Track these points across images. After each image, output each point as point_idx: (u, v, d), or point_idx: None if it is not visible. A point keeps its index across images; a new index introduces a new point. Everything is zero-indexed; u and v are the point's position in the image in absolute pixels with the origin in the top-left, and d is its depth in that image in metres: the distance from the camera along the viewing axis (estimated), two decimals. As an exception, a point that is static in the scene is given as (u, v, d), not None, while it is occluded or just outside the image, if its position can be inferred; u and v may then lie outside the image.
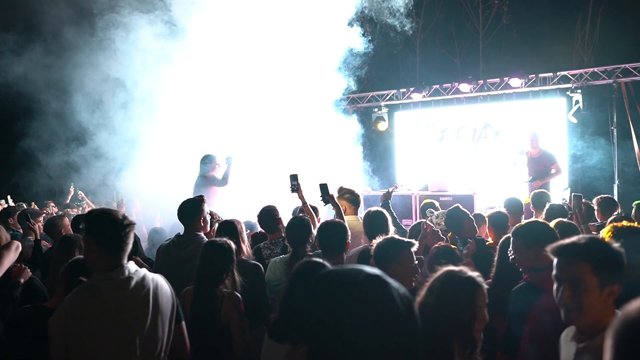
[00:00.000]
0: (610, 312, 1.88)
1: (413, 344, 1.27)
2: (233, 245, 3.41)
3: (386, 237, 3.04)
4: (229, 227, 4.03)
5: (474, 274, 2.11)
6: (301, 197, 5.07)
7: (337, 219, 4.01)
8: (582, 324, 1.93)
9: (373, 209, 4.45)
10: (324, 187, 4.74)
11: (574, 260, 1.89)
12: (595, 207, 5.96)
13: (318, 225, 4.91)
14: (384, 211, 4.36)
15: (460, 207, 4.67)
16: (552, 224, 3.47)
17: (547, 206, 5.08)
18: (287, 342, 2.30)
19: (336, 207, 4.66)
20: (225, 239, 3.44)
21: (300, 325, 2.14)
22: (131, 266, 2.52)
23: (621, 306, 1.73)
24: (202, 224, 4.19)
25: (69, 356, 2.35)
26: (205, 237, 4.15)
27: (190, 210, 4.18)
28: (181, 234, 4.22)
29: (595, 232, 4.47)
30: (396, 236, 3.14)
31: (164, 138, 8.61)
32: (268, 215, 4.84)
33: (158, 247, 4.41)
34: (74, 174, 10.25)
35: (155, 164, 8.53)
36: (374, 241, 3.11)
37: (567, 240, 1.95)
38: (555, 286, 1.96)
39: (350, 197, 5.29)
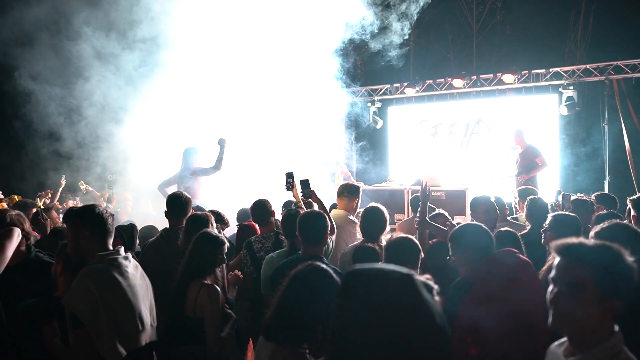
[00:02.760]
0: (608, 328, 1.68)
1: (441, 343, 1.24)
2: (225, 239, 3.41)
3: None
4: (199, 221, 3.97)
5: None
6: (296, 196, 5.07)
7: (314, 210, 4.00)
8: (569, 333, 1.75)
9: (371, 205, 4.40)
10: (305, 183, 4.76)
11: (577, 262, 1.68)
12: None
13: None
14: (382, 208, 4.34)
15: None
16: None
17: (527, 201, 5.07)
18: (272, 342, 2.28)
19: (318, 202, 4.66)
20: (215, 233, 3.45)
21: (299, 325, 2.15)
22: (122, 248, 2.87)
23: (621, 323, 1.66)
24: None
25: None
26: None
27: (175, 205, 4.18)
28: (168, 228, 4.22)
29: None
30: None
31: (155, 132, 8.55)
32: (261, 207, 4.84)
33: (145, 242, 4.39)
34: (63, 166, 10.18)
35: (146, 157, 8.47)
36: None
37: (575, 240, 1.75)
38: (550, 287, 1.75)
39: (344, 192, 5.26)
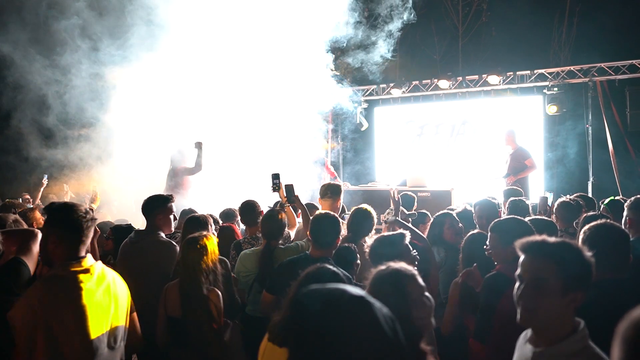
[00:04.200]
0: (570, 320, 1.80)
1: None
2: (215, 240, 3.35)
3: None
4: (198, 222, 3.95)
5: (404, 266, 2.06)
6: (282, 197, 5.04)
7: (330, 212, 3.97)
8: (537, 327, 1.84)
9: (361, 206, 4.37)
10: (289, 188, 4.74)
11: (541, 259, 1.80)
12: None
13: (298, 222, 4.92)
14: (370, 209, 4.31)
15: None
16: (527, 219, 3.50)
17: (507, 203, 5.06)
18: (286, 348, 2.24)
19: (301, 207, 4.65)
20: (204, 233, 3.38)
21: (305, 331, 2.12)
22: (89, 258, 2.54)
23: (582, 315, 1.78)
24: (162, 222, 4.07)
25: (37, 347, 2.31)
26: (163, 235, 4.05)
27: (150, 206, 4.10)
28: (140, 229, 4.18)
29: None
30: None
31: (140, 130, 8.46)
32: (250, 208, 4.82)
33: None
34: (47, 165, 10.04)
35: (132, 158, 8.39)
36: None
37: (538, 238, 1.87)
38: (516, 284, 1.86)
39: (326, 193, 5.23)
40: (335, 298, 1.27)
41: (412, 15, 9.62)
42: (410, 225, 4.29)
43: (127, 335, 2.69)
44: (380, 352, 1.22)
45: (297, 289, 2.32)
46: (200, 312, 3.14)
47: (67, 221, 2.47)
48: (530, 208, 5.05)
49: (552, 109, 10.79)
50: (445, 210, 4.92)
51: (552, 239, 1.85)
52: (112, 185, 9.11)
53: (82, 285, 2.43)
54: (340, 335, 1.21)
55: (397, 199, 4.53)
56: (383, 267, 2.11)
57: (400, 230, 3.21)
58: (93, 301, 2.45)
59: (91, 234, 2.58)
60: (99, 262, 2.62)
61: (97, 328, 2.45)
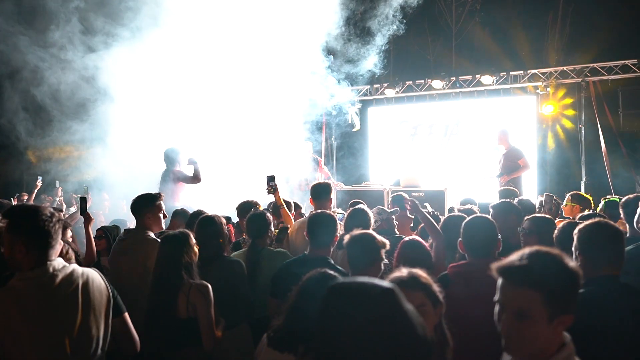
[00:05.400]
0: (558, 339, 1.64)
1: None
2: (190, 235, 3.28)
3: None
4: (211, 223, 3.88)
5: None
6: (278, 199, 5.03)
7: (326, 211, 3.95)
8: (523, 356, 1.67)
9: (357, 206, 4.38)
10: (270, 179, 4.78)
11: (523, 289, 1.59)
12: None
13: (294, 221, 4.91)
14: (367, 210, 4.27)
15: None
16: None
17: (515, 201, 5.09)
18: (288, 353, 2.21)
19: (278, 200, 4.73)
20: (180, 230, 3.34)
21: (308, 336, 2.06)
22: (57, 263, 2.38)
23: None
24: (152, 221, 4.09)
25: None
26: (152, 234, 4.06)
27: (138, 205, 4.12)
28: (130, 228, 4.24)
29: None
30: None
31: (132, 130, 8.40)
32: (249, 208, 4.79)
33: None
34: (41, 166, 10.00)
35: (123, 157, 8.33)
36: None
37: (517, 261, 1.63)
38: (497, 309, 1.67)
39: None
40: (368, 290, 1.25)
41: (403, 24, 9.62)
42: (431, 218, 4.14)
43: (120, 337, 2.60)
44: (411, 345, 1.21)
45: (298, 294, 2.29)
46: (169, 306, 3.08)
47: (33, 229, 2.30)
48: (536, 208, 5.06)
49: (549, 109, 10.81)
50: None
51: (534, 259, 1.62)
52: (103, 185, 9.06)
53: (33, 294, 2.28)
54: (372, 327, 1.19)
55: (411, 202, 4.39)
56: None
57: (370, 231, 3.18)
58: (49, 310, 2.29)
59: (59, 236, 2.40)
60: (73, 264, 2.47)
61: (55, 339, 2.29)
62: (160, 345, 3.10)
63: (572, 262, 1.64)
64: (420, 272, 2.02)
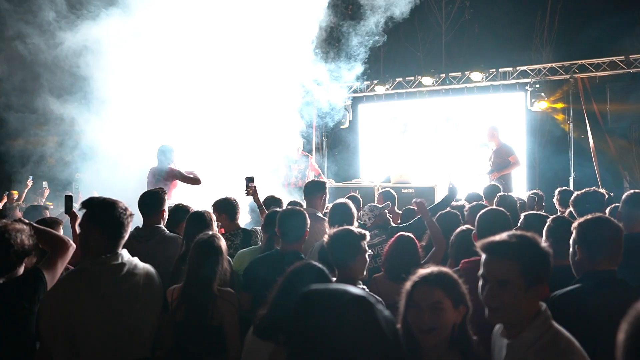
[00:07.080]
0: (535, 309, 1.88)
1: None
2: (223, 242, 3.22)
3: None
4: (200, 219, 3.87)
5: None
6: (257, 200, 5.06)
7: (295, 207, 4.00)
8: (506, 323, 1.93)
9: (339, 201, 4.47)
10: (248, 180, 4.79)
11: (504, 260, 1.86)
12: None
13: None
14: (349, 203, 4.35)
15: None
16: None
17: (497, 198, 5.12)
18: (270, 341, 2.23)
19: (257, 202, 4.80)
20: (213, 234, 3.24)
21: (287, 329, 2.09)
22: (125, 254, 2.60)
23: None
24: (163, 217, 4.14)
25: (57, 337, 2.37)
26: (165, 229, 4.08)
27: (151, 202, 4.10)
28: (140, 226, 4.12)
29: None
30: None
31: (120, 129, 8.33)
32: (229, 204, 4.77)
33: None
34: (30, 164, 9.93)
35: (113, 156, 8.26)
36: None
37: (498, 238, 1.91)
38: (480, 283, 1.92)
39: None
40: (337, 298, 1.27)
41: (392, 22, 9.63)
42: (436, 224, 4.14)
43: (154, 335, 2.73)
44: (380, 353, 1.23)
45: (282, 285, 2.31)
46: (205, 316, 2.99)
47: (111, 220, 2.53)
48: (518, 204, 5.10)
49: (542, 105, 10.86)
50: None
51: (512, 237, 1.90)
52: (93, 184, 8.99)
53: (105, 279, 2.48)
54: (341, 335, 1.21)
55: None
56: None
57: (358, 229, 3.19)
58: (115, 296, 2.48)
59: (129, 230, 2.64)
60: (136, 257, 2.65)
61: (116, 324, 2.47)
62: (189, 354, 3.02)
63: (544, 243, 1.92)
64: (446, 271, 2.04)
